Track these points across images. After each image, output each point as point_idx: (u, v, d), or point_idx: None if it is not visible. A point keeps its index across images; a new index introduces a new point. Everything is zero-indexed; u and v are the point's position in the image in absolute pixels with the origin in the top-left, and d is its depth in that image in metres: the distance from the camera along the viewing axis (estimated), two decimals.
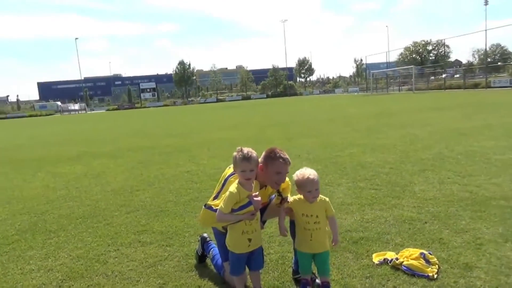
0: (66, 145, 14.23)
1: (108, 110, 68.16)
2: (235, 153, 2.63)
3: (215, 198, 2.84)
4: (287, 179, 2.96)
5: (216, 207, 2.66)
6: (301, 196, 2.74)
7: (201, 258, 3.40)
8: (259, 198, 2.63)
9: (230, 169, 2.89)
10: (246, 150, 2.61)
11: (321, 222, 2.71)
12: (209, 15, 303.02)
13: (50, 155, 11.51)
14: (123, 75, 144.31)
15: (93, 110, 74.39)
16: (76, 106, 71.02)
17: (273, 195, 3.08)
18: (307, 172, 2.69)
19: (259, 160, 2.78)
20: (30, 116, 60.45)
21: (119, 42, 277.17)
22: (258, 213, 2.71)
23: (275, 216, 3.20)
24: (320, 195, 2.72)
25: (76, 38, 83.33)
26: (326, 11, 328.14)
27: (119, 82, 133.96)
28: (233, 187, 2.60)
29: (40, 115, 61.20)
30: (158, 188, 6.26)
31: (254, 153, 2.62)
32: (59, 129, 25.40)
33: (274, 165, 2.74)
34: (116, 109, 68.76)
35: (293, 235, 3.03)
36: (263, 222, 3.16)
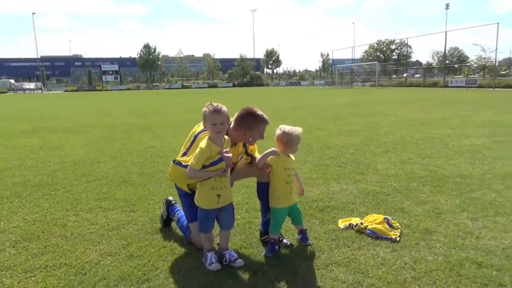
0: (20, 120, 13.44)
1: (66, 91, 64.98)
2: (204, 108, 2.55)
3: (183, 155, 2.76)
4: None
5: (186, 163, 2.58)
6: (277, 156, 2.79)
7: (166, 221, 3.31)
8: (230, 155, 2.59)
9: (199, 127, 2.81)
10: (216, 103, 2.56)
11: (294, 174, 2.90)
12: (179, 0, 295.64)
13: (3, 129, 10.83)
14: (84, 56, 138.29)
15: (50, 90, 70.69)
16: (32, 85, 66.96)
17: (240, 156, 3.04)
18: (296, 129, 2.79)
19: (235, 120, 2.75)
20: None
21: (80, 20, 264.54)
22: (228, 170, 2.66)
23: (241, 178, 3.19)
24: None
25: (33, 13, 78.35)
26: (297, 3, 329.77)
27: (79, 63, 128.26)
28: (203, 143, 2.53)
29: None
30: (121, 161, 6.04)
31: (225, 107, 2.57)
32: (12, 105, 23.94)
33: (259, 128, 2.76)
34: (76, 90, 65.69)
35: (261, 197, 3.02)
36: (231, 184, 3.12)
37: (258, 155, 2.94)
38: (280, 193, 2.82)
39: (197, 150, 2.52)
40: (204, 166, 2.50)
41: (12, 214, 3.70)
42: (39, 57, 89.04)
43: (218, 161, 2.51)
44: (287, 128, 2.79)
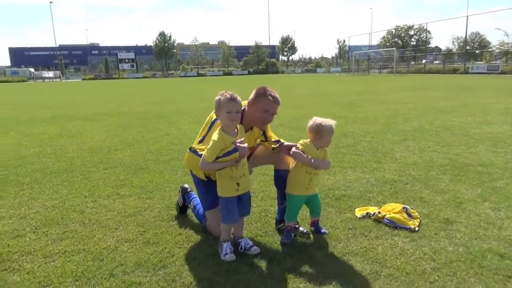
0: (39, 108, 13.69)
1: (84, 79, 65.86)
2: (218, 96, 2.52)
3: (200, 142, 2.74)
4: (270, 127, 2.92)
5: (201, 152, 2.56)
6: (307, 141, 2.78)
7: (182, 209, 3.32)
8: (245, 145, 2.54)
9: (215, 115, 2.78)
10: (231, 92, 2.52)
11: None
12: None
13: (23, 116, 11.05)
14: (101, 45, 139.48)
15: (68, 78, 71.73)
16: (51, 74, 68.03)
17: (258, 142, 3.01)
18: (328, 120, 2.78)
19: (249, 98, 2.72)
20: (1, 82, 57.78)
21: (97, 10, 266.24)
22: (245, 158, 2.62)
23: (259, 165, 3.16)
24: None
25: (51, 2, 79.18)
26: None
27: (96, 52, 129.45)
28: (215, 135, 2.48)
29: (11, 81, 58.55)
30: (137, 148, 6.09)
31: (239, 96, 2.53)
32: (32, 94, 24.40)
33: (263, 102, 2.69)
34: (93, 79, 66.49)
35: (278, 185, 2.99)
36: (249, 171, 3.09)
37: (284, 141, 2.92)
38: (297, 181, 2.78)
39: (210, 143, 2.48)
40: (217, 157, 2.46)
41: (32, 200, 3.77)
42: (57, 46, 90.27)
43: (232, 152, 2.47)
44: (319, 119, 2.78)
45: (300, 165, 2.77)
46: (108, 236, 2.91)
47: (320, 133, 2.74)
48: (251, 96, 2.75)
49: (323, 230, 2.87)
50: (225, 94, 2.51)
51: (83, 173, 4.69)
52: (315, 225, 2.91)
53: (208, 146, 2.48)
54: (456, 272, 2.31)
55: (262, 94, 2.71)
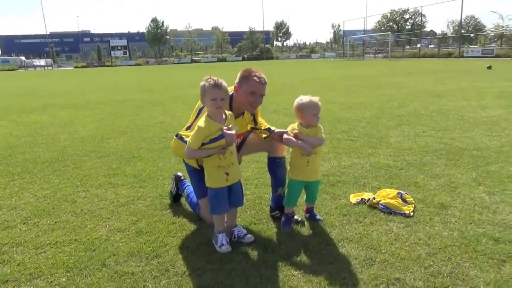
0: (31, 96, 13.50)
1: (76, 67, 64.99)
2: (203, 82, 2.40)
3: (187, 128, 2.68)
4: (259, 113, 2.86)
5: (187, 138, 2.48)
6: (295, 125, 2.72)
7: (176, 197, 3.28)
8: (233, 132, 2.44)
9: None
10: (215, 77, 2.42)
11: (318, 148, 2.75)
12: None
13: (14, 105, 10.88)
14: (92, 32, 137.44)
15: (60, 66, 70.83)
16: (42, 62, 67.18)
17: (250, 129, 2.94)
18: (308, 97, 2.69)
19: (235, 82, 2.64)
20: None
21: None
22: (234, 146, 2.55)
23: (253, 152, 3.10)
24: None
25: None
26: None
27: (88, 39, 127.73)
28: (201, 121, 2.39)
29: (2, 70, 57.67)
30: (130, 137, 6.02)
31: (224, 82, 2.43)
32: (23, 82, 24.04)
33: (248, 84, 2.58)
34: (85, 66, 65.66)
35: (272, 172, 2.96)
36: (240, 159, 3.04)
37: (274, 128, 2.85)
38: (295, 165, 2.74)
39: (195, 129, 2.40)
40: (203, 144, 2.38)
41: (23, 190, 3.71)
42: (48, 33, 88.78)
43: (218, 138, 2.37)
44: (301, 97, 2.72)
45: (296, 149, 2.73)
46: (100, 226, 2.87)
47: (300, 112, 2.68)
48: (236, 80, 2.65)
49: (318, 217, 2.85)
50: (209, 80, 2.39)
51: (75, 162, 4.62)
52: (309, 211, 2.88)
53: (193, 132, 2.41)
54: (451, 257, 2.30)
55: (246, 76, 2.61)
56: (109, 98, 12.07)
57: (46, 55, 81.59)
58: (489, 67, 19.67)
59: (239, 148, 2.94)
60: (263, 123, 2.92)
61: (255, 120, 2.88)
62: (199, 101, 2.68)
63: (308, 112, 2.68)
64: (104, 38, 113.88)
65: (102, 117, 8.18)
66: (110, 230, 2.79)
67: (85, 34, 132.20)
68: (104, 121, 7.57)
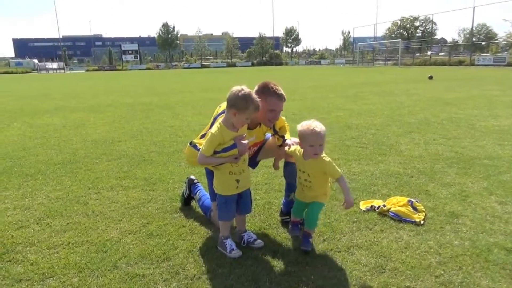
0: (43, 99, 13.70)
1: (87, 71, 65.82)
2: (244, 96, 2.29)
3: (202, 136, 2.70)
4: (282, 117, 2.85)
5: (201, 146, 2.50)
6: (299, 149, 2.52)
7: (187, 200, 3.30)
8: (246, 141, 2.44)
9: (221, 108, 2.71)
10: (258, 98, 2.37)
11: (313, 182, 2.48)
12: None
13: (27, 107, 11.06)
14: (104, 36, 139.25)
15: (72, 70, 71.72)
16: (54, 65, 68.02)
17: (269, 134, 2.96)
18: (314, 124, 2.39)
19: None
20: (5, 73, 57.80)
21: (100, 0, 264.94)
22: (246, 155, 2.56)
23: (271, 157, 3.08)
24: (323, 155, 2.42)
25: None
26: None
27: (100, 43, 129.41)
28: (215, 128, 2.40)
29: (15, 72, 58.63)
30: (141, 140, 6.08)
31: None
32: (36, 85, 24.41)
33: (267, 101, 2.56)
34: (96, 70, 66.49)
35: (287, 177, 2.95)
36: (257, 162, 3.06)
37: (289, 138, 2.75)
38: (297, 186, 2.67)
39: (208, 135, 2.41)
40: (215, 152, 2.39)
41: (36, 191, 3.77)
42: (61, 37, 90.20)
43: (231, 147, 2.37)
44: (303, 122, 2.45)
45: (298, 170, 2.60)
46: (111, 228, 2.90)
47: (307, 141, 2.38)
48: (255, 93, 2.59)
49: (307, 246, 2.47)
50: (254, 101, 2.32)
51: (87, 165, 4.68)
52: (304, 236, 2.52)
53: (206, 139, 2.42)
54: (462, 267, 2.28)
55: (266, 93, 2.57)
56: (120, 101, 12.21)
57: (59, 58, 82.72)
58: (430, 77, 19.27)
59: (257, 152, 2.96)
60: (283, 128, 2.86)
61: (274, 129, 2.81)
62: (216, 109, 2.68)
63: (305, 141, 2.41)
64: (115, 42, 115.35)
65: (113, 120, 8.27)
66: (121, 232, 2.82)
67: (97, 38, 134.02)
68: (115, 124, 7.66)
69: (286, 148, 2.66)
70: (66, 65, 74.05)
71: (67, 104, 11.77)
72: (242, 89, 2.33)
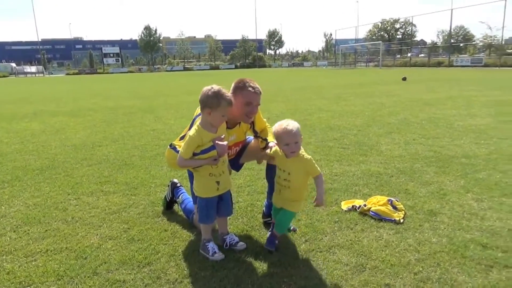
0: (22, 103, 13.39)
1: (68, 74, 64.63)
2: (215, 94, 2.31)
3: (181, 138, 2.69)
4: (264, 119, 2.86)
5: (180, 148, 2.49)
6: (279, 150, 2.55)
7: (169, 204, 3.28)
8: (225, 143, 2.44)
9: (199, 109, 2.70)
10: (229, 94, 2.39)
11: (292, 181, 2.49)
12: None
13: (4, 112, 10.79)
14: (85, 39, 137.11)
15: (52, 73, 70.38)
16: (33, 69, 66.64)
17: (251, 137, 2.96)
18: (286, 122, 2.43)
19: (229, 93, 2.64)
20: None
21: (80, 2, 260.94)
22: (226, 156, 2.56)
23: (254, 159, 3.09)
24: (302, 153, 2.48)
25: None
26: None
27: (80, 46, 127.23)
28: (193, 130, 2.38)
29: None
30: (122, 144, 6.00)
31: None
32: (14, 89, 23.84)
33: (243, 95, 2.58)
34: (77, 73, 65.30)
35: (269, 179, 2.95)
36: (240, 165, 3.05)
37: (271, 140, 2.72)
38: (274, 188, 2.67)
39: (186, 138, 2.40)
40: (194, 154, 2.38)
41: (13, 198, 3.68)
42: (40, 40, 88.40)
43: (209, 149, 2.36)
44: (277, 123, 2.48)
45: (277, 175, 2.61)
46: (91, 234, 2.86)
47: (281, 140, 2.44)
48: (231, 90, 2.62)
49: (271, 245, 2.51)
50: (225, 96, 2.34)
51: (66, 170, 4.60)
52: (271, 235, 2.56)
53: (184, 142, 2.41)
54: (440, 263, 2.33)
55: (241, 87, 2.60)
56: (101, 105, 12.03)
57: (38, 62, 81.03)
58: (404, 79, 19.67)
59: (239, 154, 2.96)
60: (265, 131, 2.87)
61: (253, 129, 2.83)
62: (196, 110, 2.67)
63: (280, 141, 2.46)
64: (96, 45, 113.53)
65: (94, 124, 8.15)
66: (102, 238, 2.78)
67: (77, 41, 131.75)
68: (96, 129, 7.55)
69: (268, 150, 2.67)
70: (45, 68, 72.59)
71: (46, 108, 11.53)
72: (212, 88, 2.36)
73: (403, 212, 3.04)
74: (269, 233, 2.63)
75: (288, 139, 2.41)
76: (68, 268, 2.38)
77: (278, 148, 2.58)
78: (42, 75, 64.04)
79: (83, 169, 4.64)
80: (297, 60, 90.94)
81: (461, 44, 67.00)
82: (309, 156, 2.49)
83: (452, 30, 59.28)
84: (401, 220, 2.92)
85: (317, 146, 5.44)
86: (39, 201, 3.57)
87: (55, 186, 4.02)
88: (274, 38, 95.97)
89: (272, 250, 2.51)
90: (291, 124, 2.43)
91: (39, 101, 14.16)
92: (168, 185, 3.33)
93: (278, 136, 2.45)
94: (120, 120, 8.58)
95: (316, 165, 2.50)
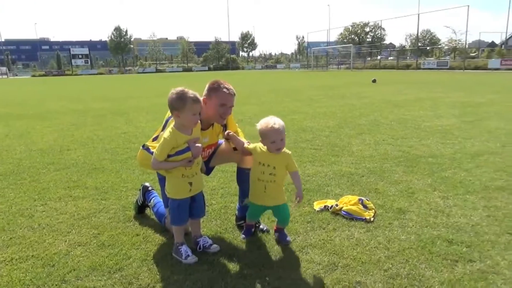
0: None
1: (34, 76, 62.33)
2: (180, 95, 2.31)
3: (154, 139, 2.65)
4: (235, 123, 2.86)
5: (154, 149, 2.46)
6: (263, 147, 2.58)
7: (141, 208, 3.22)
8: (199, 145, 2.44)
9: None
10: (193, 91, 2.38)
11: (278, 175, 2.55)
12: None
13: None
14: (51, 39, 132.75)
15: (16, 75, 67.66)
16: None
17: (221, 140, 2.96)
18: (272, 120, 2.49)
19: (203, 95, 2.64)
20: None
21: (46, 1, 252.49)
22: (200, 157, 2.55)
23: (225, 162, 3.08)
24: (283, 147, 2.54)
25: None
26: None
27: (47, 47, 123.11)
28: (167, 132, 2.36)
29: None
30: (92, 148, 5.85)
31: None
32: None
33: (217, 96, 2.59)
34: (44, 75, 63.08)
35: (240, 183, 2.96)
36: (211, 168, 3.03)
37: (243, 139, 2.77)
38: (253, 189, 2.68)
39: (161, 140, 2.37)
40: (169, 155, 2.36)
41: None
42: (3, 40, 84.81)
43: (184, 151, 2.35)
44: (261, 120, 2.54)
45: (252, 171, 2.66)
46: (59, 241, 2.77)
47: (268, 137, 2.50)
48: (205, 92, 2.65)
49: (287, 238, 2.66)
50: (190, 94, 2.33)
51: (32, 175, 4.43)
52: (279, 231, 2.71)
53: (159, 144, 2.38)
54: (408, 259, 2.41)
55: (215, 88, 2.61)
56: (69, 107, 11.67)
57: (1, 63, 77.66)
58: (374, 81, 20.28)
59: (210, 157, 2.94)
60: (236, 133, 2.87)
61: (225, 130, 2.83)
62: (168, 113, 2.64)
63: (266, 139, 2.51)
64: (64, 46, 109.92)
65: (62, 127, 7.89)
66: (70, 245, 2.70)
67: (43, 41, 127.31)
68: (64, 132, 7.31)
69: (246, 144, 2.69)
70: (9, 70, 69.62)
71: (10, 111, 11.07)
72: (174, 90, 2.37)
73: (373, 211, 3.11)
74: (278, 231, 2.72)
75: (274, 137, 2.48)
76: (35, 277, 2.29)
77: (256, 145, 2.62)
78: (5, 76, 61.41)
79: (50, 174, 4.49)
80: (270, 62, 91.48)
81: (428, 48, 69.43)
82: (289, 151, 2.61)
83: (419, 34, 61.43)
84: (372, 219, 2.99)
85: (290, 148, 5.42)
86: (2, 208, 3.42)
87: (20, 192, 3.86)
88: (247, 41, 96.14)
89: (290, 241, 2.64)
90: (277, 122, 2.51)
91: (2, 104, 13.59)
92: (140, 189, 3.28)
93: (265, 134, 2.50)
94: (90, 123, 8.35)
95: (294, 161, 2.62)
